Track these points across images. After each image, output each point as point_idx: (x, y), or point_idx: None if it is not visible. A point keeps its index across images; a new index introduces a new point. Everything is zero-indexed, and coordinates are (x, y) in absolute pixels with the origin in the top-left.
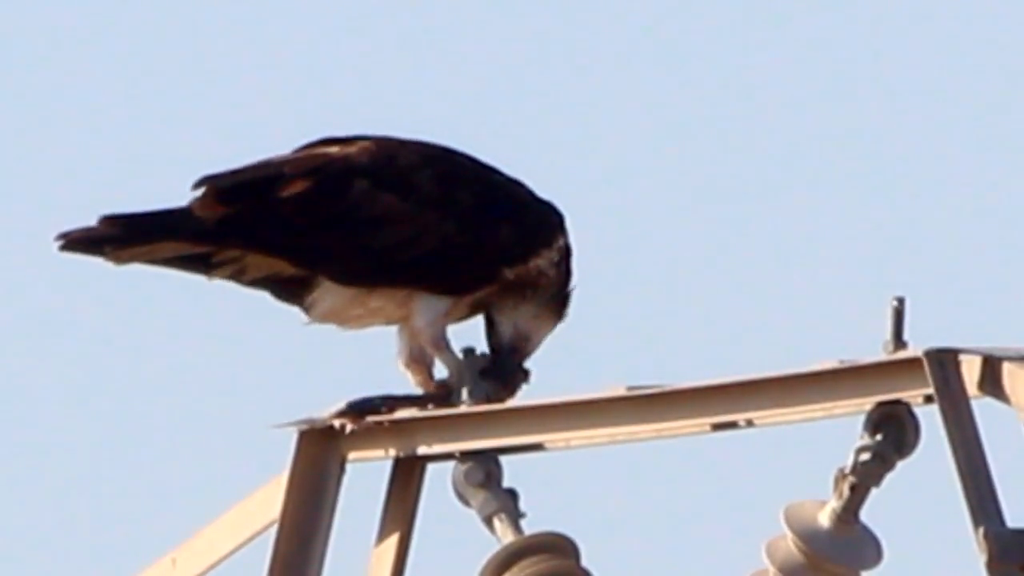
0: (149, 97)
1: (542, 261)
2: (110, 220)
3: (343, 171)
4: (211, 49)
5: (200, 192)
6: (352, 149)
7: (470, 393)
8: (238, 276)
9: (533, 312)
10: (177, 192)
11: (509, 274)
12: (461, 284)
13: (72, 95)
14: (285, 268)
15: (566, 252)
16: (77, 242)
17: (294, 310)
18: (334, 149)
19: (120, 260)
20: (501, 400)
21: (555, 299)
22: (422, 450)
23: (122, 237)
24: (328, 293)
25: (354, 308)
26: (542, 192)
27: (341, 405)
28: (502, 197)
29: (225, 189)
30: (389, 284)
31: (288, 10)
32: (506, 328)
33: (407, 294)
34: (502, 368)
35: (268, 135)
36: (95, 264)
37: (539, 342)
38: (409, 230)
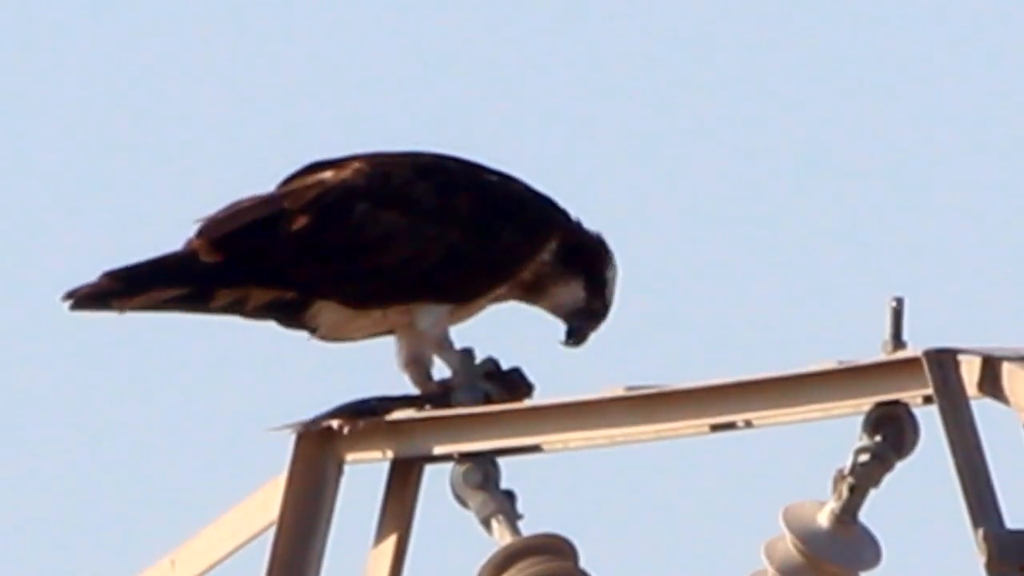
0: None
1: (546, 255)
2: (113, 275)
3: (343, 196)
4: (182, 74)
5: (202, 235)
6: (346, 172)
7: (469, 393)
8: (239, 307)
9: (558, 290)
10: (168, 206)
11: (524, 273)
12: (471, 291)
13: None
14: (287, 293)
15: (571, 238)
16: (85, 299)
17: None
18: (328, 174)
19: (125, 310)
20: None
21: (566, 266)
22: (420, 451)
23: (128, 289)
24: (328, 308)
25: (358, 320)
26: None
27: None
28: (499, 198)
29: (230, 233)
30: (401, 301)
31: (260, 21)
32: (563, 303)
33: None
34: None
35: (255, 138)
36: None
37: (575, 299)
38: (414, 245)
